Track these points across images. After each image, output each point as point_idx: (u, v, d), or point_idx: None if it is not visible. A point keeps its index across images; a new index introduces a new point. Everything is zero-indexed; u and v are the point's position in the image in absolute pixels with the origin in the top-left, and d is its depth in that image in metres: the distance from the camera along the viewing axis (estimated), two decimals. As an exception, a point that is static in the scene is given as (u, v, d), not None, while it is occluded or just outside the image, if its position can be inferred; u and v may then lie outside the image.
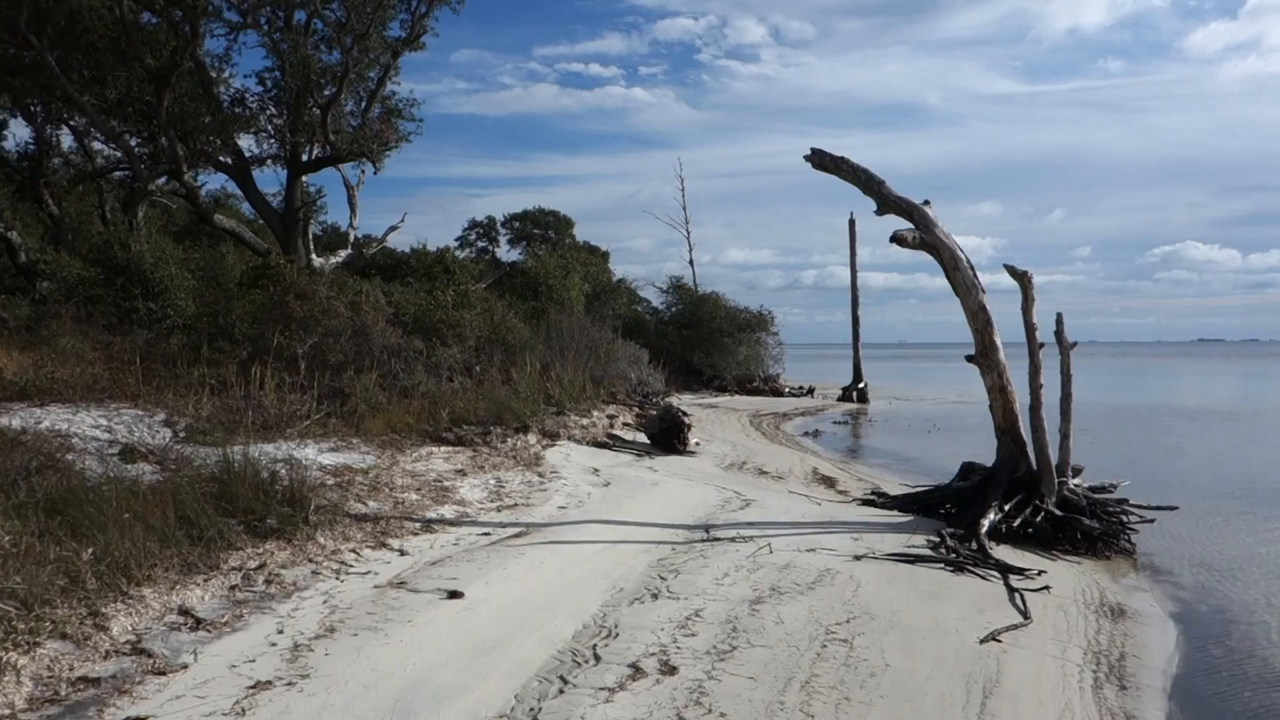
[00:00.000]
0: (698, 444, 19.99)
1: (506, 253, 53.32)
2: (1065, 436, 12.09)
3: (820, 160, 12.22)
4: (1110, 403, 39.40)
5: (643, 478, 14.29)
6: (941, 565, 9.57)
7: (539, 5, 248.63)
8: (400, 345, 19.08)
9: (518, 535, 9.89)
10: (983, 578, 9.34)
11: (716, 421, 27.70)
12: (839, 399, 40.61)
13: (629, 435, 20.16)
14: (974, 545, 10.49)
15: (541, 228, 54.97)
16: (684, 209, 51.80)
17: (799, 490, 14.84)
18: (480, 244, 57.37)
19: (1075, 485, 12.03)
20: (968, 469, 13.00)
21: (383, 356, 18.36)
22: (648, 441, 19.41)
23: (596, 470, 14.98)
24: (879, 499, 13.20)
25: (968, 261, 11.90)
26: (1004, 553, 10.54)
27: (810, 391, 42.52)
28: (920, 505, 12.58)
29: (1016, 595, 8.74)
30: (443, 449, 15.58)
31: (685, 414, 19.45)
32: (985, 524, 10.93)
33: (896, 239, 11.53)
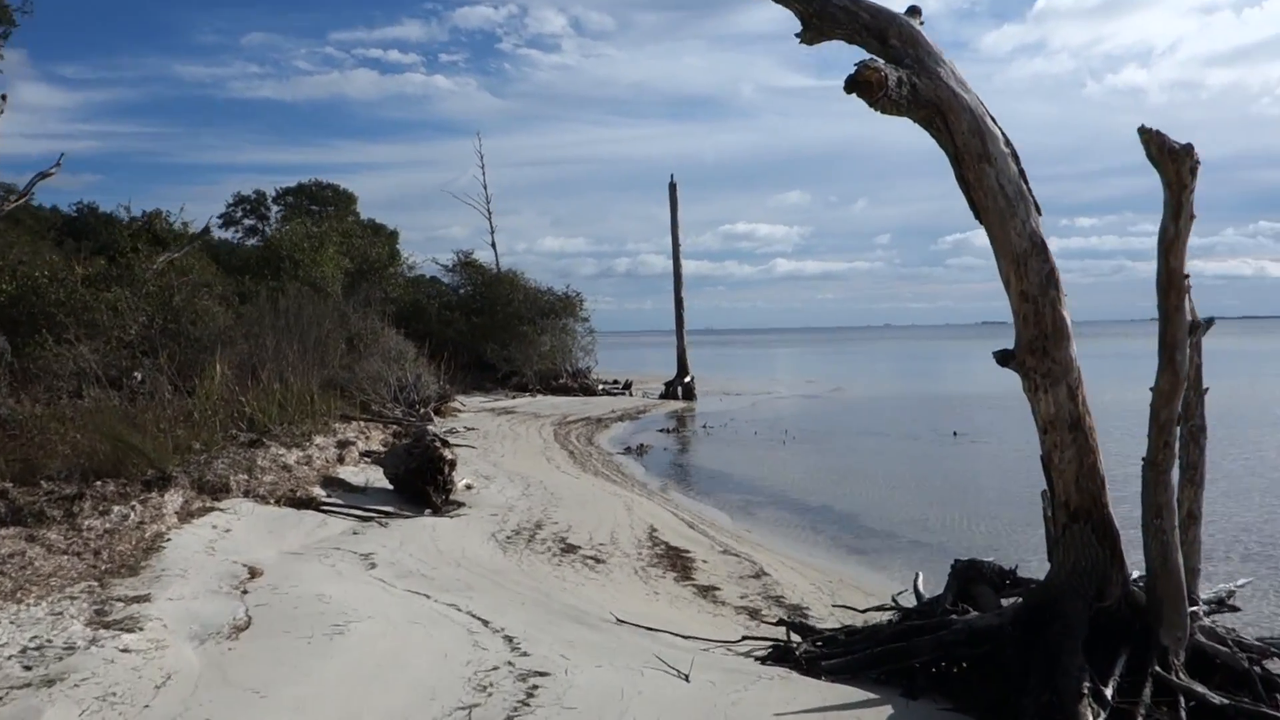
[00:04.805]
0: (469, 487, 13.03)
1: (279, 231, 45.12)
2: (1193, 517, 5.82)
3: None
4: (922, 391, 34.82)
5: (327, 599, 7.19)
6: None
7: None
8: (-46, 343, 11.25)
9: None
10: None
11: (509, 435, 20.77)
12: (661, 395, 34.38)
13: (363, 477, 13.00)
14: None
15: (319, 203, 46.82)
16: (485, 188, 44.30)
17: (636, 601, 8.12)
18: (248, 221, 48.86)
19: (1211, 615, 5.81)
20: (968, 574, 6.62)
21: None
22: (389, 487, 12.36)
23: (247, 578, 7.84)
24: (800, 646, 6.48)
25: (1008, 145, 5.42)
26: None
27: (628, 387, 36.11)
28: (891, 664, 6.02)
29: None
30: (-33, 537, 8.19)
31: (446, 444, 12.42)
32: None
33: (863, 78, 4.91)
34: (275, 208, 47.60)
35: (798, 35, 5.55)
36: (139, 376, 14.56)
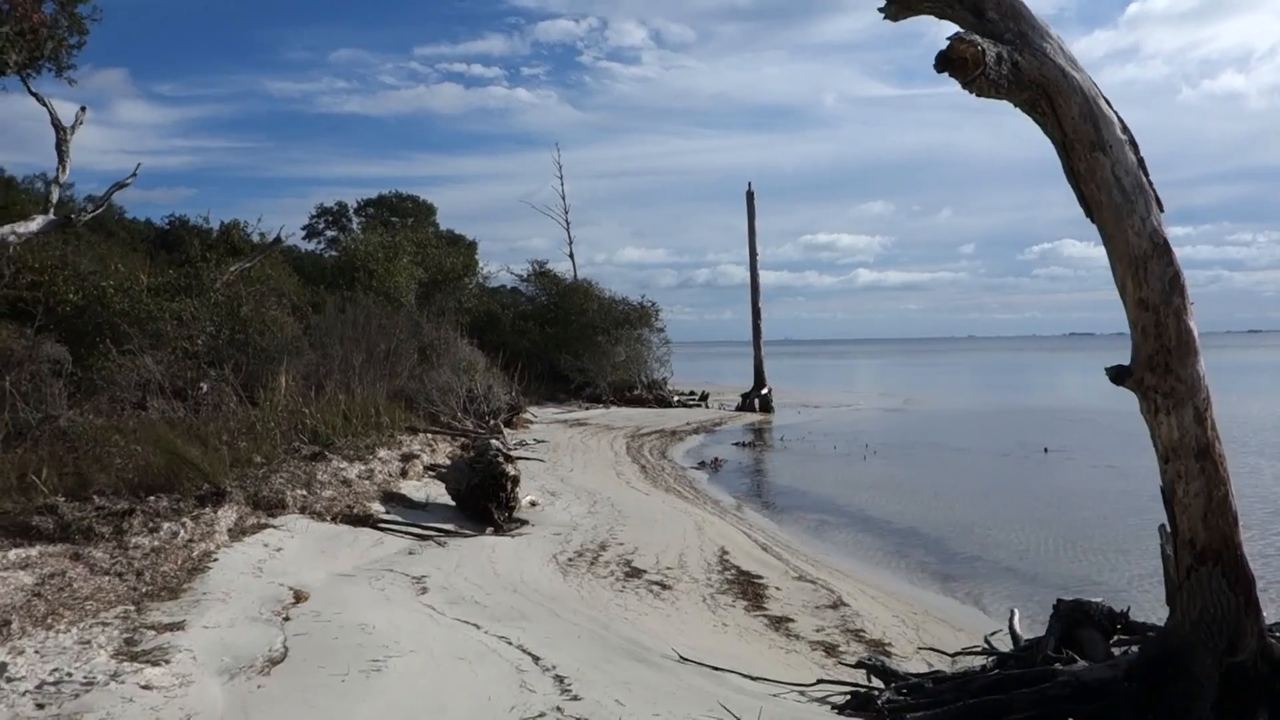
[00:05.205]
0: (533, 503, 12.58)
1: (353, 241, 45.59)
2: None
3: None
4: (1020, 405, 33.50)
5: (370, 629, 6.74)
6: None
7: (417, 4, 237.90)
8: (14, 353, 11.16)
9: None
10: None
11: (580, 448, 20.32)
12: (738, 408, 33.70)
13: (425, 492, 12.62)
14: None
15: (399, 214, 47.23)
16: (563, 198, 44.18)
17: (702, 634, 7.53)
18: (330, 233, 49.57)
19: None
20: (1073, 616, 5.89)
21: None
22: (451, 503, 11.95)
23: (291, 602, 7.44)
24: (882, 694, 5.84)
25: (1125, 132, 4.74)
26: None
27: (704, 398, 35.45)
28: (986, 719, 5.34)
29: None
30: (13, 554, 8.02)
31: (509, 458, 11.99)
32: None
33: (957, 54, 4.30)
34: (356, 219, 48.18)
35: (881, 10, 4.94)
36: (204, 388, 14.40)
